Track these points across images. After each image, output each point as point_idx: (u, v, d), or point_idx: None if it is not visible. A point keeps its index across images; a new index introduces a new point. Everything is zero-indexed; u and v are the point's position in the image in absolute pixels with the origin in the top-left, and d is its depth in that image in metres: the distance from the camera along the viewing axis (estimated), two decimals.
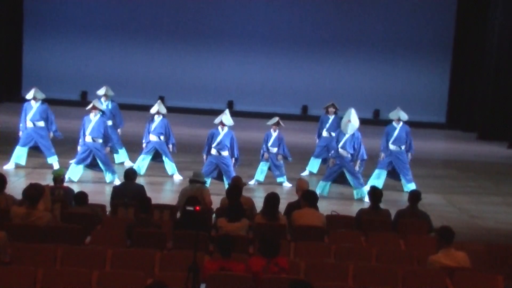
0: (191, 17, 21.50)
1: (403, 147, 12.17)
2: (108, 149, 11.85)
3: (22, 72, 21.52)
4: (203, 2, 21.47)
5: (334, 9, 21.52)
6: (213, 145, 11.47)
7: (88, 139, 11.54)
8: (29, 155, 12.56)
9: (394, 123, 12.33)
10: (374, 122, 20.23)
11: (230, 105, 21.28)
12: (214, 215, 8.69)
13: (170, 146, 12.20)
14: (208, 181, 11.14)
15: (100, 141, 11.57)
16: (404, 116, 12.29)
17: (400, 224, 8.47)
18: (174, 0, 21.52)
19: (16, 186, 10.09)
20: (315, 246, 7.39)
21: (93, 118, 11.57)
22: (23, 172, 11.98)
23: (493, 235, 9.97)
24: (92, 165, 11.72)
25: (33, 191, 7.43)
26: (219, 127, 11.51)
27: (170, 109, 15.03)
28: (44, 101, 12.39)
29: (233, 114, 17.94)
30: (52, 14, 21.32)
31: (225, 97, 21.49)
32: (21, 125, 12.24)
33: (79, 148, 11.63)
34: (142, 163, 12.16)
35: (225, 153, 11.47)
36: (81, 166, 11.56)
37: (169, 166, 12.25)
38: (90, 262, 6.48)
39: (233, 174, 11.07)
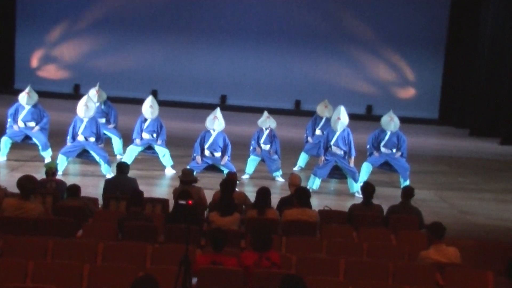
0: (185, 11, 21.45)
1: (394, 150, 12.15)
2: (102, 145, 11.82)
3: (15, 65, 21.43)
4: None
5: (327, 4, 21.52)
6: (206, 147, 11.49)
7: (81, 138, 11.53)
8: (22, 148, 12.54)
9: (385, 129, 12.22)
10: (367, 117, 20.27)
11: (223, 100, 21.28)
12: (207, 210, 8.72)
13: (160, 140, 12.18)
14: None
15: (93, 139, 11.56)
16: (396, 125, 12.18)
17: (391, 220, 8.49)
18: None
19: (7, 179, 10.06)
20: (307, 241, 7.40)
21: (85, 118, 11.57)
22: (15, 164, 11.94)
23: (483, 231, 10.01)
24: (84, 156, 11.73)
25: (26, 183, 7.42)
26: (211, 129, 11.55)
27: (163, 103, 15.04)
28: (37, 93, 12.40)
29: (226, 108, 18.03)
30: (45, 6, 21.23)
31: (218, 91, 21.47)
32: (9, 119, 12.20)
33: (68, 144, 11.61)
34: (130, 154, 12.08)
35: (218, 154, 11.50)
36: (65, 158, 11.51)
37: (164, 159, 12.22)
38: (81, 255, 6.47)
39: (233, 169, 11.12)
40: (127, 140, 12.72)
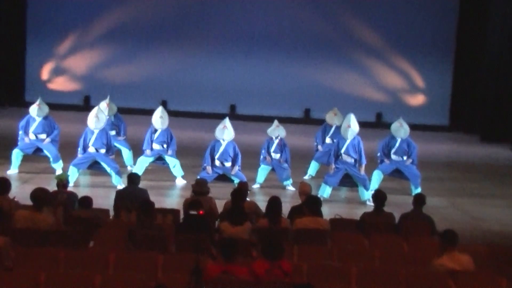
0: (193, 21, 21.52)
1: (404, 157, 12.12)
2: (112, 156, 11.85)
3: (25, 77, 21.55)
4: (205, 5, 21.49)
5: (336, 12, 21.52)
6: (216, 156, 11.49)
7: (91, 149, 11.58)
8: (33, 160, 12.59)
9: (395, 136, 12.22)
10: (377, 125, 20.22)
11: (232, 109, 21.30)
12: (218, 220, 8.71)
13: (170, 151, 12.20)
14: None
15: (103, 151, 11.60)
16: (406, 132, 12.17)
17: (403, 227, 8.45)
18: (176, 3, 21.54)
19: (19, 191, 10.10)
20: (318, 249, 7.38)
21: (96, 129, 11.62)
22: (26, 177, 11.99)
23: (496, 237, 9.96)
24: (95, 167, 11.76)
25: (40, 195, 7.48)
26: (221, 139, 11.56)
27: (172, 113, 15.06)
28: (47, 105, 12.49)
29: (236, 117, 18.05)
30: (55, 19, 21.35)
31: (227, 100, 21.49)
32: (20, 132, 12.27)
33: (79, 155, 11.65)
34: (140, 165, 12.10)
35: (228, 163, 11.50)
36: (76, 169, 11.55)
37: (175, 169, 12.23)
38: (93, 266, 6.48)
39: (244, 178, 11.13)
40: (137, 151, 12.76)
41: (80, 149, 11.66)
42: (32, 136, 12.23)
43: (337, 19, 21.54)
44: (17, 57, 21.32)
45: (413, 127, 12.98)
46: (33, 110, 12.28)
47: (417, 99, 21.73)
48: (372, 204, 9.72)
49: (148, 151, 12.17)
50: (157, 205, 8.24)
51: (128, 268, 6.51)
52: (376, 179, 11.95)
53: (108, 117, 12.54)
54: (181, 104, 21.18)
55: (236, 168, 11.51)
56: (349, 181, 11.68)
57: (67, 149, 12.72)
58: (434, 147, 18.24)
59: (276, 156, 12.21)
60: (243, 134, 14.70)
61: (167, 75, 21.65)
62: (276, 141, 12.25)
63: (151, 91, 21.37)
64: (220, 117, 12.44)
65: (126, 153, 13.10)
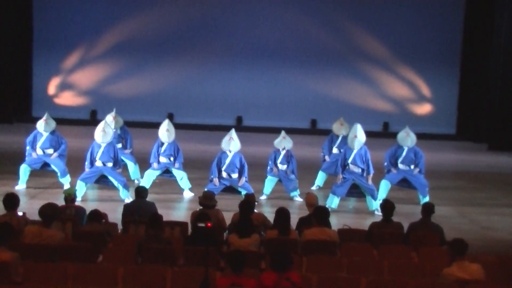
0: (198, 34, 21.61)
1: (412, 166, 12.10)
2: (120, 170, 11.87)
3: (32, 93, 21.65)
4: (210, 18, 21.59)
5: (341, 23, 21.58)
6: (223, 168, 11.49)
7: (99, 163, 11.60)
8: (40, 175, 12.62)
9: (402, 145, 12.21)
10: (384, 134, 20.20)
11: (239, 121, 21.33)
12: (226, 232, 8.71)
13: (177, 164, 12.21)
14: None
15: (110, 164, 11.61)
16: (413, 141, 12.16)
17: (412, 237, 8.42)
18: (182, 16, 21.65)
19: (27, 207, 10.12)
20: (327, 260, 7.36)
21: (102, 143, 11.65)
22: (34, 192, 12.01)
23: (506, 247, 9.90)
24: (102, 181, 11.77)
25: (48, 210, 7.49)
26: (227, 151, 11.57)
27: (179, 126, 15.09)
28: (54, 120, 12.53)
29: (242, 129, 18.08)
30: (61, 34, 21.49)
31: (233, 112, 21.53)
32: (27, 147, 12.31)
33: (87, 169, 11.67)
34: (148, 178, 12.11)
35: (235, 175, 11.50)
36: (83, 184, 11.58)
37: (182, 182, 12.24)
38: (102, 280, 6.48)
39: (251, 190, 11.13)
40: (144, 164, 12.77)
41: (87, 163, 11.68)
42: (39, 151, 12.27)
43: (343, 30, 21.59)
44: (24, 73, 21.45)
45: (420, 136, 12.95)
46: (40, 125, 12.33)
47: (424, 109, 21.73)
48: (380, 214, 9.69)
49: (155, 164, 12.19)
50: (165, 218, 8.24)
51: (137, 282, 6.51)
52: (384, 189, 11.93)
53: (114, 130, 12.58)
54: (188, 116, 21.24)
55: (243, 179, 11.51)
56: (356, 191, 11.67)
57: (75, 163, 12.75)
58: (441, 156, 18.20)
59: (283, 167, 12.21)
60: (249, 145, 14.71)
61: (173, 88, 21.73)
62: (283, 153, 12.26)
63: (158, 104, 21.44)
64: (227, 129, 12.45)
65: (132, 167, 13.12)
